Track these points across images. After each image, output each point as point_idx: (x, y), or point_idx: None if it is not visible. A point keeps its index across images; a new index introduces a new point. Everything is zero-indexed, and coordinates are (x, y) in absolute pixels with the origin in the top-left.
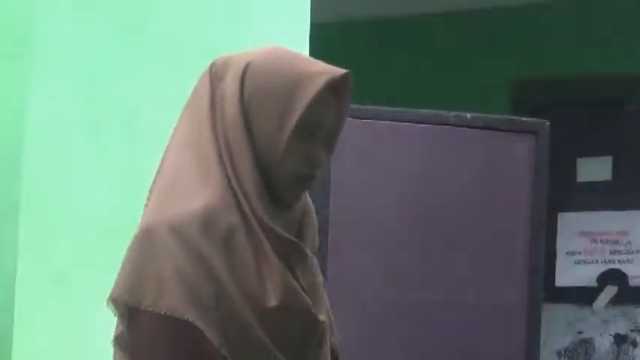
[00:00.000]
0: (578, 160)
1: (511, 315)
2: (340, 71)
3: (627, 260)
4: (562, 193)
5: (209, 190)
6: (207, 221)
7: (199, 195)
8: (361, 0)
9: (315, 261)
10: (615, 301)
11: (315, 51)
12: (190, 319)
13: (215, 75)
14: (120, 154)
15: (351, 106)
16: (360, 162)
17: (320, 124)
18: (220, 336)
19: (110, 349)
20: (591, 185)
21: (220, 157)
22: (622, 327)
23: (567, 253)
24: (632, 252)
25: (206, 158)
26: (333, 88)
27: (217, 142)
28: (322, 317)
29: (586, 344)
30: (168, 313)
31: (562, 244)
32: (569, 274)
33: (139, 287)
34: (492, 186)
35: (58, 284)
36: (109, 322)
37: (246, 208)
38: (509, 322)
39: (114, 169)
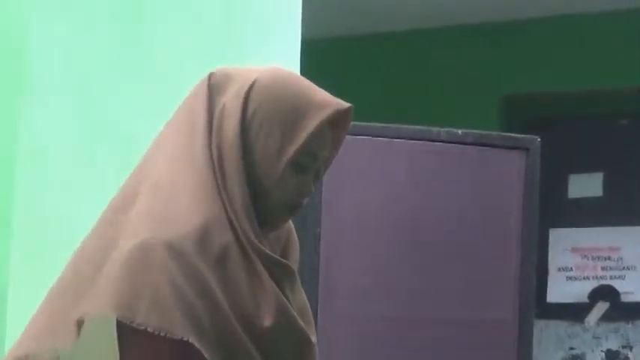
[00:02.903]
0: (570, 176)
1: (503, 331)
2: (344, 105)
3: (619, 276)
4: (553, 209)
5: (204, 207)
6: (202, 240)
7: (195, 212)
8: (352, 16)
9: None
10: (607, 317)
11: (306, 67)
12: (186, 338)
13: (215, 86)
14: (113, 170)
15: None
16: (351, 178)
17: (317, 156)
18: (216, 355)
19: None
20: (583, 201)
21: (214, 171)
22: (613, 343)
23: (559, 269)
24: (624, 268)
25: (200, 174)
26: (333, 120)
27: (212, 157)
28: (314, 339)
29: None
30: (163, 333)
31: (554, 260)
32: (561, 290)
33: (132, 304)
34: (484, 202)
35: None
36: None
37: (237, 228)
38: (500, 338)
39: (106, 183)
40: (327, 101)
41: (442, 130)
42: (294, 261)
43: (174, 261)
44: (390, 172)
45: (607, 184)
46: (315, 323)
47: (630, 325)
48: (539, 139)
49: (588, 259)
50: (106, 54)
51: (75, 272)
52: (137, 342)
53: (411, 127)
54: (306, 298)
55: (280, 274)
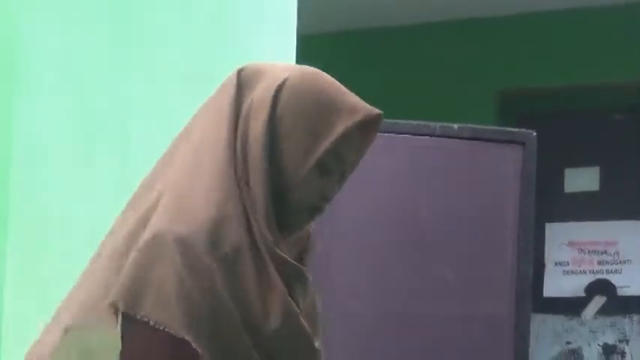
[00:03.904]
0: (566, 170)
1: (499, 326)
2: (374, 111)
3: (615, 270)
4: (550, 203)
5: (221, 201)
6: (214, 234)
7: (211, 208)
8: (347, 11)
9: (313, 288)
10: (603, 311)
11: (302, 62)
12: (186, 337)
13: (244, 82)
14: (108, 168)
15: None
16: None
17: (343, 160)
18: (213, 355)
19: None
20: (579, 196)
21: (236, 167)
22: (610, 337)
23: (555, 263)
24: (620, 262)
25: (222, 169)
26: (362, 125)
27: (235, 152)
28: (319, 345)
29: (574, 354)
30: (163, 328)
31: (550, 254)
32: (558, 284)
33: (138, 295)
34: (479, 197)
35: (46, 298)
36: None
37: (254, 227)
38: (497, 332)
39: (102, 182)
40: (358, 106)
41: (438, 124)
42: (310, 265)
43: (183, 256)
44: (386, 167)
45: (603, 179)
46: None
47: (627, 319)
48: (535, 134)
49: (585, 254)
50: (101, 52)
51: (101, 260)
52: (138, 332)
53: (407, 122)
54: (317, 304)
55: (293, 277)
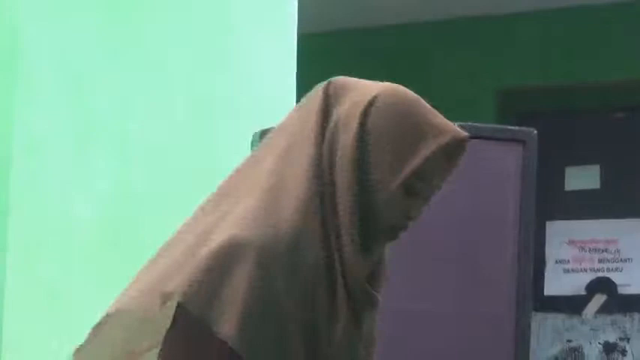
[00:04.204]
0: (567, 168)
1: (500, 324)
2: (461, 133)
3: (616, 269)
4: (550, 201)
5: (303, 214)
6: (291, 250)
7: (292, 221)
8: (348, 10)
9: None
10: (604, 309)
11: (303, 61)
12: (240, 353)
13: (332, 96)
14: (107, 164)
15: None
16: None
17: (429, 181)
18: None
19: None
20: (579, 194)
21: (321, 181)
22: (611, 335)
23: (556, 261)
24: (621, 260)
25: (307, 184)
26: (448, 148)
27: (320, 166)
28: None
29: (575, 353)
30: (222, 338)
31: (551, 252)
32: (558, 282)
33: (205, 299)
34: (480, 195)
35: (47, 295)
36: None
37: (333, 244)
38: (498, 331)
39: (102, 179)
40: (446, 128)
41: None
42: (380, 288)
43: (256, 266)
44: None
45: (604, 177)
46: None
47: (627, 318)
48: (535, 132)
49: (585, 252)
50: (100, 50)
51: (170, 251)
52: (192, 337)
53: None
54: (376, 327)
55: (364, 303)
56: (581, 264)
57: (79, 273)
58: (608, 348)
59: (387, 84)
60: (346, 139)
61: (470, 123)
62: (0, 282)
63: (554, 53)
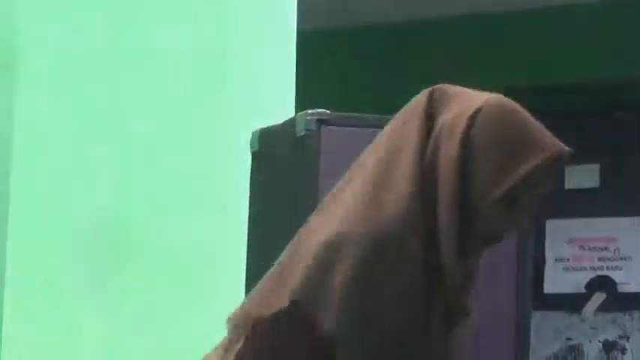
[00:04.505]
0: (566, 167)
1: (500, 322)
2: (564, 148)
3: (615, 267)
4: (550, 200)
5: (405, 217)
6: (394, 251)
7: (395, 219)
8: (350, 7)
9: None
10: (604, 307)
11: (302, 58)
12: (337, 347)
13: (435, 105)
14: (107, 162)
15: (342, 114)
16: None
17: (530, 192)
18: None
19: (97, 345)
20: (579, 192)
21: (425, 192)
22: (611, 333)
23: (556, 259)
24: (621, 258)
25: (409, 183)
26: (550, 162)
27: (424, 176)
28: None
29: (575, 351)
30: (321, 335)
31: (550, 250)
32: (558, 281)
33: (309, 295)
34: None
35: (46, 291)
36: (96, 328)
37: (433, 250)
38: (498, 329)
39: (102, 177)
40: (549, 142)
41: None
42: (471, 296)
43: (358, 264)
44: None
45: (603, 175)
46: None
47: (627, 316)
48: None
49: (585, 250)
50: (101, 46)
51: (290, 250)
52: (288, 335)
53: None
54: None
55: (456, 309)
56: (580, 262)
57: (79, 272)
58: (608, 346)
59: (492, 94)
60: (450, 147)
61: None
62: (1, 273)
63: (554, 53)
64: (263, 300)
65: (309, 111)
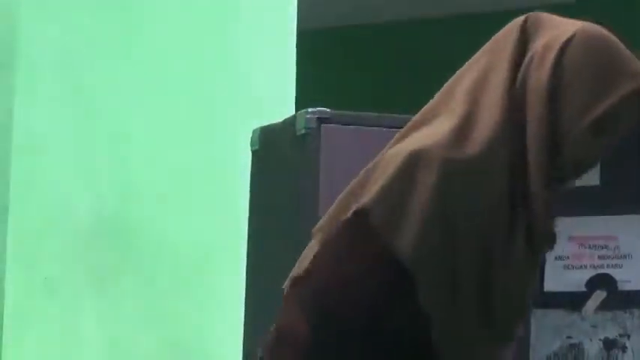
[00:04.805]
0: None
1: None
2: None
3: (616, 265)
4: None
5: (493, 141)
6: (478, 173)
7: (482, 143)
8: (350, 6)
9: None
10: (604, 306)
11: (302, 57)
12: (409, 265)
13: (530, 31)
14: (106, 161)
15: (342, 112)
16: (349, 169)
17: (618, 123)
18: (432, 292)
19: (97, 345)
20: (579, 190)
21: (513, 114)
22: (611, 332)
23: (556, 258)
24: (621, 257)
25: (499, 110)
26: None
27: (513, 105)
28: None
29: (575, 349)
30: (397, 252)
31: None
32: (558, 279)
33: (386, 210)
34: None
35: (46, 290)
36: (96, 328)
37: (519, 177)
38: None
39: (102, 177)
40: None
41: None
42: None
43: (439, 182)
44: None
45: (604, 173)
46: None
47: (628, 314)
48: None
49: (585, 248)
50: (100, 43)
51: (364, 172)
52: (368, 236)
53: (407, 116)
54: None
55: (542, 238)
56: (581, 260)
57: (79, 271)
58: (608, 344)
59: (585, 22)
60: (541, 74)
61: None
62: (1, 271)
63: None
64: (340, 207)
65: (309, 109)
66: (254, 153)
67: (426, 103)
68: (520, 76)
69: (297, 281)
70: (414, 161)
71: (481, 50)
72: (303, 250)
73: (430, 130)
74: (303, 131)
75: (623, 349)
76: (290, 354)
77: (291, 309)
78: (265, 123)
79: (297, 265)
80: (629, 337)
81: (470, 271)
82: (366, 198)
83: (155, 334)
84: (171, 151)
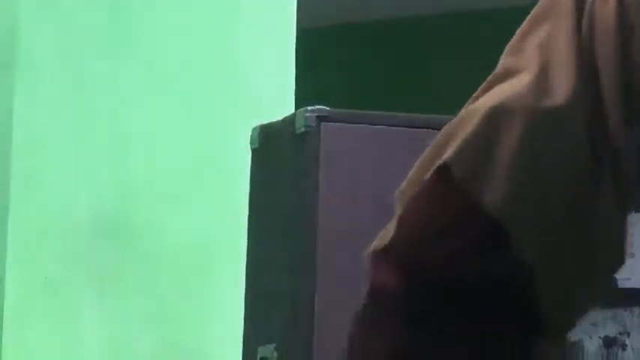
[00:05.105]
0: None
1: None
2: None
3: None
4: None
5: (571, 91)
6: (562, 124)
7: (562, 95)
8: (350, 3)
9: None
10: (604, 303)
11: (302, 55)
12: (498, 216)
13: None
14: (107, 160)
15: (342, 110)
16: (349, 167)
17: None
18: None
19: (98, 345)
20: None
21: (585, 58)
22: (611, 329)
23: None
24: None
25: (569, 55)
26: None
27: (581, 42)
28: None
29: (575, 347)
30: (485, 206)
31: None
32: None
33: (470, 164)
34: None
35: (47, 290)
36: (96, 328)
37: (600, 124)
38: None
39: (102, 176)
40: None
41: (438, 117)
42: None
43: (523, 135)
44: (385, 160)
45: None
46: (312, 310)
47: (627, 312)
48: None
49: None
50: (100, 43)
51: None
52: (454, 193)
53: (409, 114)
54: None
55: (629, 189)
56: None
57: (79, 271)
58: (608, 342)
59: None
60: (606, 13)
61: None
62: (1, 270)
63: None
64: (422, 168)
65: (309, 108)
66: (254, 151)
67: (426, 102)
68: (585, 15)
69: (384, 247)
70: (496, 114)
71: (538, 5)
72: (303, 249)
73: (506, 86)
74: (302, 129)
75: (623, 347)
76: (387, 314)
77: (382, 271)
78: (265, 121)
79: (380, 234)
80: (628, 334)
81: (564, 218)
82: (449, 154)
83: (155, 334)
84: (171, 150)
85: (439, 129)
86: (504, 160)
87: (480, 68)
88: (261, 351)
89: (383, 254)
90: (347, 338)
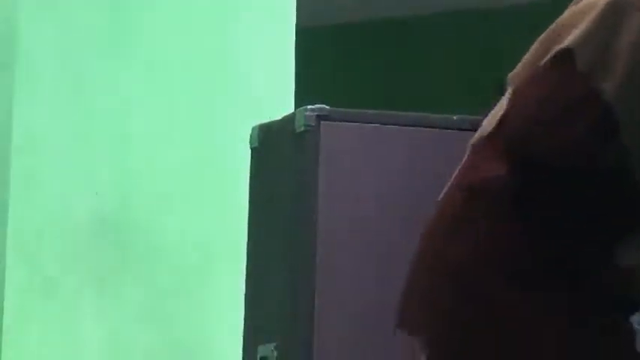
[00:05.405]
0: None
1: None
2: None
3: None
4: None
5: None
6: None
7: None
8: (349, 2)
9: None
10: None
11: (301, 54)
12: (619, 111)
13: None
14: (107, 160)
15: (341, 109)
16: (348, 166)
17: None
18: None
19: (97, 344)
20: None
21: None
22: None
23: None
24: None
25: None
26: None
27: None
28: None
29: None
30: (600, 94)
31: None
32: None
33: (592, 52)
34: None
35: (46, 290)
36: (96, 327)
37: None
38: None
39: (102, 176)
40: None
41: (437, 116)
42: None
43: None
44: (385, 159)
45: None
46: (312, 309)
47: None
48: None
49: None
50: (100, 44)
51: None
52: (570, 79)
53: (406, 113)
54: None
55: None
56: None
57: (78, 270)
58: None
59: None
60: None
61: (467, 116)
62: (1, 268)
63: None
64: (537, 54)
65: (309, 107)
66: (253, 150)
67: (425, 102)
68: None
69: (491, 131)
70: (617, 7)
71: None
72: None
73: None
74: (302, 128)
75: None
76: (487, 207)
77: (485, 161)
78: (265, 120)
79: (487, 120)
80: None
81: None
82: (571, 40)
83: (155, 333)
84: (170, 149)
85: (438, 128)
86: (624, 51)
87: (479, 68)
88: (261, 350)
89: (490, 141)
90: (417, 253)
